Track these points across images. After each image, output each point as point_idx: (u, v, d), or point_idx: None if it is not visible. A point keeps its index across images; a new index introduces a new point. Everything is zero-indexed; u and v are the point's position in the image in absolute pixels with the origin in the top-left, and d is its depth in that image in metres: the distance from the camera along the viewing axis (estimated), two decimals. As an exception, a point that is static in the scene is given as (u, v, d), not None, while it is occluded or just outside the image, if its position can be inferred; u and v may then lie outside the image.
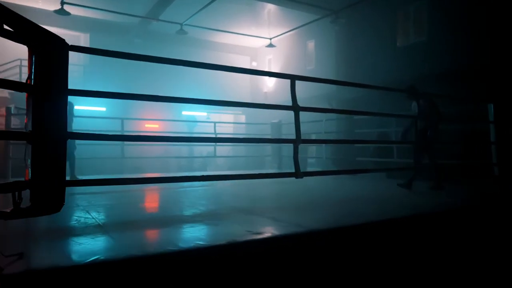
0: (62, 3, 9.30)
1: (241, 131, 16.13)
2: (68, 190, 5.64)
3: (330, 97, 11.94)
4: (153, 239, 2.94)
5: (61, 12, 9.33)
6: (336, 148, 11.01)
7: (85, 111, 10.95)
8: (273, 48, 14.91)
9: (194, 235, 3.08)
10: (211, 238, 2.92)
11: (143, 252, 2.39)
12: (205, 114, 16.40)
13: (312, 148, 12.55)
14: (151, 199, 5.62)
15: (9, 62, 13.96)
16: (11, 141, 7.03)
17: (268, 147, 12.36)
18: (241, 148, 14.61)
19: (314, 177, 6.53)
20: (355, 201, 4.99)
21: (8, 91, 13.50)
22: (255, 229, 3.09)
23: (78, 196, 5.43)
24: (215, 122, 11.21)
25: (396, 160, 7.92)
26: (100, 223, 3.37)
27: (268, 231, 3.03)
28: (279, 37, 14.52)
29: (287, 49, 15.21)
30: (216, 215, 3.93)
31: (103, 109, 13.75)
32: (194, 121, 14.96)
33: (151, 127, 14.85)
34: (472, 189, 6.24)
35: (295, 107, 3.80)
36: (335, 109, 4.56)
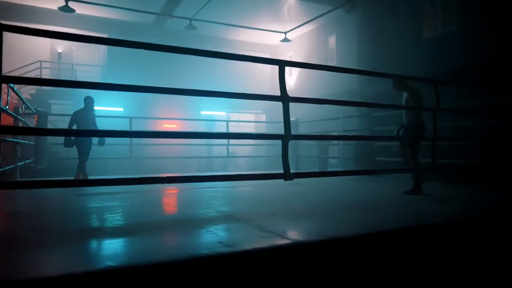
0: (67, 0, 9.15)
1: (262, 131, 15.71)
2: (77, 190, 5.48)
3: (352, 93, 11.28)
4: (108, 251, 2.54)
5: (65, 9, 9.18)
6: (357, 148, 10.36)
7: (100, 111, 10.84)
8: (294, 44, 14.35)
9: (157, 246, 2.65)
10: (172, 251, 2.48)
11: (77, 269, 1.99)
12: (223, 113, 16.05)
13: (334, 148, 11.94)
14: (147, 201, 5.19)
15: (30, 64, 14.23)
16: (19, 142, 6.94)
17: (286, 147, 11.86)
18: (261, 148, 14.19)
19: (334, 177, 6.02)
20: (363, 207, 4.40)
21: (29, 92, 13.72)
22: (229, 241, 2.64)
23: (81, 198, 5.16)
24: (227, 121, 10.82)
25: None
26: (59, 229, 3.02)
27: (242, 244, 2.56)
28: (300, 33, 14.00)
29: (308, 45, 14.64)
30: (196, 222, 3.48)
31: (121, 109, 13.68)
32: (204, 119, 14.66)
33: (169, 127, 14.64)
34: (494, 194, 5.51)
35: (283, 98, 3.28)
36: (330, 100, 4.00)
